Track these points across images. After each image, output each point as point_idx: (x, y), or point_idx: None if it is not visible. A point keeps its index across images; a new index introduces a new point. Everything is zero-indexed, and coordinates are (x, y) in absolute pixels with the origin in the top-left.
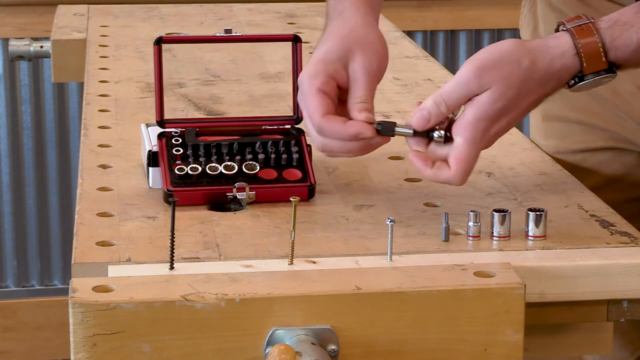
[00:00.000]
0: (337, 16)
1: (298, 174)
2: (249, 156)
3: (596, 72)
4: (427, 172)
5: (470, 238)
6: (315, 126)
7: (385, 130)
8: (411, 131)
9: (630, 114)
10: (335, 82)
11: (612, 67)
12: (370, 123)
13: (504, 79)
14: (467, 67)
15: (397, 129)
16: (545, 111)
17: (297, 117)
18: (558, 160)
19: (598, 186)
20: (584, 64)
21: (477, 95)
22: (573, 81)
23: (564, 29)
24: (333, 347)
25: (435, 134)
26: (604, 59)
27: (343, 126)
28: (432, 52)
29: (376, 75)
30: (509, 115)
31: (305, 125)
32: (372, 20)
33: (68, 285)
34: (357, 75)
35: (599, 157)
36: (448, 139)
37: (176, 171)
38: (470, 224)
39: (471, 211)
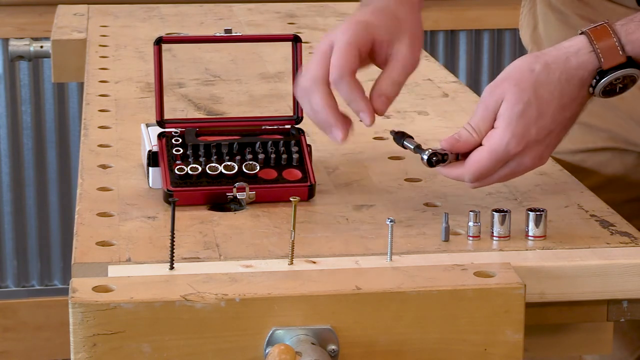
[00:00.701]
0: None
1: (298, 174)
2: (249, 156)
3: (616, 68)
4: (442, 170)
5: (470, 238)
6: (336, 76)
7: (395, 138)
8: (412, 146)
9: (631, 114)
10: (370, 46)
11: (632, 62)
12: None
13: (515, 85)
14: (484, 90)
15: (405, 142)
16: None
17: (297, 117)
18: (558, 161)
19: (598, 186)
20: (601, 59)
21: (498, 111)
22: (595, 80)
23: (579, 33)
24: (333, 347)
25: (424, 155)
26: (620, 52)
27: (357, 96)
28: (432, 52)
29: (412, 67)
30: (537, 123)
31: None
32: (419, 13)
33: (68, 285)
34: (397, 59)
35: (599, 157)
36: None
37: (176, 171)
38: (470, 224)
39: (471, 211)
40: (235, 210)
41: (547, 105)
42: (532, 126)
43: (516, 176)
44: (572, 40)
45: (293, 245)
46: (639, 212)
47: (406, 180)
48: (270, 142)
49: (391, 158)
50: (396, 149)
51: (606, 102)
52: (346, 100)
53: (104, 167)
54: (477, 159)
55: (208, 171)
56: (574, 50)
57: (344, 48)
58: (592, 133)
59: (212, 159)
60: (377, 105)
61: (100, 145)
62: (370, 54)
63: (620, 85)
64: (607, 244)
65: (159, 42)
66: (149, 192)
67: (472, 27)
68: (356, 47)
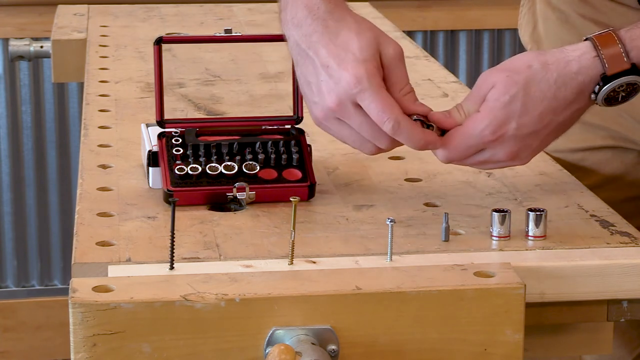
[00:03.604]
0: (329, 11)
1: (298, 174)
2: (249, 156)
3: (619, 74)
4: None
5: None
6: (394, 124)
7: None
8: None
9: (631, 112)
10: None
11: (637, 70)
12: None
13: (508, 76)
14: (481, 75)
15: None
16: None
17: (297, 117)
18: (557, 159)
19: (597, 185)
20: (606, 65)
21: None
22: (598, 87)
23: (584, 39)
24: (333, 347)
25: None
26: (625, 58)
27: (418, 131)
28: (432, 52)
29: (403, 60)
30: (519, 119)
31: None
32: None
33: (68, 285)
34: (394, 63)
35: (598, 155)
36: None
37: (176, 171)
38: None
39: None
40: (235, 210)
41: (536, 104)
42: (512, 120)
43: (489, 166)
44: (577, 45)
45: (293, 245)
46: (638, 211)
47: (406, 180)
48: (270, 142)
49: (391, 158)
50: (396, 149)
51: None
52: (408, 144)
53: (104, 167)
54: (451, 139)
55: (208, 171)
56: (577, 55)
57: (379, 93)
58: (591, 131)
59: (212, 159)
60: (421, 110)
61: (100, 145)
62: None
63: (623, 94)
64: (607, 244)
65: (159, 42)
66: (149, 192)
67: (472, 27)
68: (382, 85)
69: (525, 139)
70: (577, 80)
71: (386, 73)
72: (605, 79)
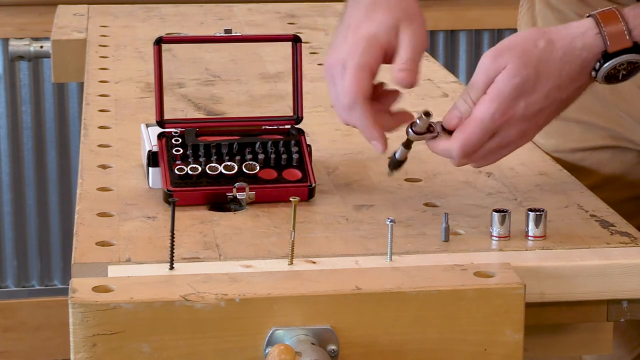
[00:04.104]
0: None
1: (298, 174)
2: (249, 156)
3: (621, 52)
4: (430, 144)
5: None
6: (349, 102)
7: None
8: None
9: (630, 112)
10: (383, 56)
11: (638, 48)
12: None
13: (519, 57)
14: (485, 55)
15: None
16: None
17: (297, 117)
18: (557, 159)
19: (597, 185)
20: (607, 42)
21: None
22: (599, 64)
23: (587, 16)
24: (333, 347)
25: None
26: (627, 37)
27: (370, 124)
28: (432, 52)
29: (423, 45)
30: (527, 98)
31: (333, 98)
32: None
33: (68, 285)
34: (406, 44)
35: (598, 155)
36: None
37: (176, 171)
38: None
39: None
40: (235, 210)
41: (544, 83)
42: (521, 99)
43: (502, 153)
44: (580, 22)
45: (293, 245)
46: (638, 211)
47: (406, 180)
48: (270, 142)
49: (391, 158)
50: (396, 149)
51: (606, 100)
52: (359, 128)
53: (104, 167)
54: (464, 130)
55: (208, 171)
56: (581, 32)
57: (355, 72)
58: (591, 131)
59: (212, 159)
60: (398, 79)
61: (100, 145)
62: (386, 62)
63: (624, 72)
64: (607, 244)
65: (159, 42)
66: (149, 192)
67: (472, 27)
68: (368, 69)
69: (533, 118)
70: (581, 57)
71: (397, 50)
72: (606, 56)
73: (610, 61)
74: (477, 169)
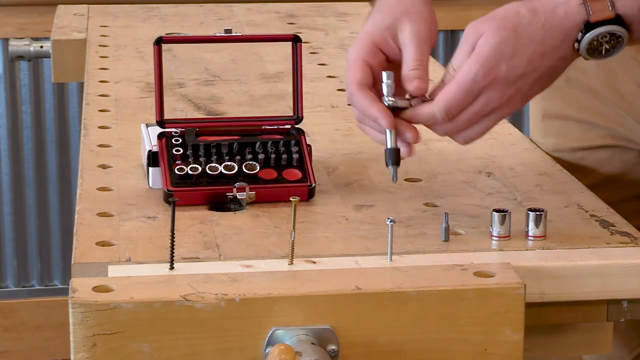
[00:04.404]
0: None
1: (298, 174)
2: (249, 156)
3: (603, 22)
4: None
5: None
6: (348, 94)
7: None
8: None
9: (630, 112)
10: (382, 54)
11: (620, 21)
12: (410, 99)
13: (498, 21)
14: (467, 27)
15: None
16: (544, 109)
17: (297, 117)
18: (557, 159)
19: (597, 184)
20: (590, 12)
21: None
22: (581, 34)
23: None
24: (333, 347)
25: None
26: (610, 8)
27: (368, 104)
28: (432, 52)
29: (427, 41)
30: (509, 61)
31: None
32: None
33: (68, 285)
34: (406, 42)
35: (598, 155)
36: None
37: (176, 171)
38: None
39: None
40: (235, 210)
41: (525, 47)
42: (503, 62)
43: (486, 123)
44: None
45: (293, 245)
46: (638, 211)
47: (406, 180)
48: (270, 142)
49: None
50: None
51: (606, 100)
52: (362, 111)
53: (104, 167)
54: (446, 91)
55: (208, 171)
56: (564, 1)
57: (352, 64)
58: (591, 130)
59: (212, 159)
60: (410, 88)
61: (100, 145)
62: (393, 61)
63: (607, 46)
64: (607, 244)
65: (159, 42)
66: (149, 192)
67: None
68: (363, 61)
69: (516, 82)
70: (563, 25)
71: (401, 53)
72: (588, 26)
73: (592, 32)
74: (477, 171)
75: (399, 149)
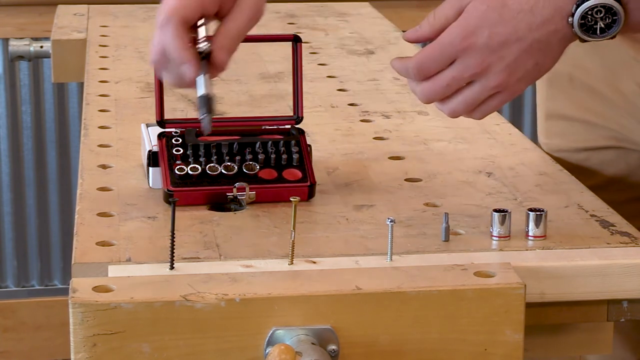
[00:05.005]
0: None
1: (298, 174)
2: (249, 156)
3: None
4: (394, 61)
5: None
6: (162, 20)
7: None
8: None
9: (634, 113)
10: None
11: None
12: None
13: None
14: None
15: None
16: (548, 109)
17: (297, 117)
18: (560, 159)
19: (601, 185)
20: None
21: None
22: (575, 6)
23: None
24: (333, 347)
25: (202, 46)
26: None
27: (180, 46)
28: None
29: (257, 19)
30: (492, 27)
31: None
32: None
33: (68, 285)
34: (243, 8)
35: (602, 156)
36: None
37: (176, 171)
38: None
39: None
40: (235, 210)
41: (512, 15)
42: (486, 28)
43: (472, 90)
44: None
45: (293, 245)
46: None
47: (406, 180)
48: (270, 142)
49: (391, 158)
50: (396, 149)
51: (609, 101)
52: (169, 51)
53: (104, 167)
54: (423, 50)
55: (208, 171)
56: None
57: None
58: (594, 131)
59: (212, 159)
60: (218, 59)
61: (100, 145)
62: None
63: (602, 24)
64: (607, 244)
65: None
66: (149, 192)
67: None
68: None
69: (498, 50)
70: None
71: (233, 8)
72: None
73: (585, 3)
74: (477, 171)
75: (212, 96)
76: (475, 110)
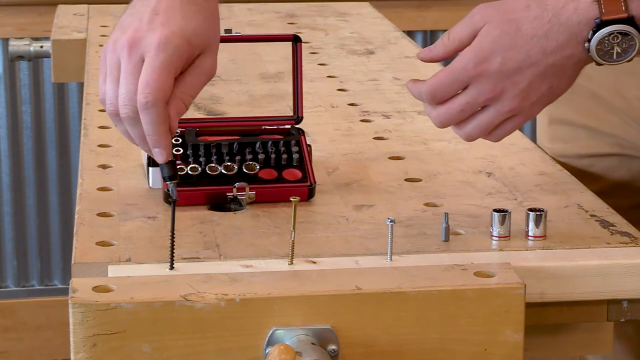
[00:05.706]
0: None
1: (298, 174)
2: (249, 156)
3: (615, 22)
4: (408, 83)
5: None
6: (151, 99)
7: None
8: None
9: (638, 120)
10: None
11: (633, 22)
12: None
13: (503, 13)
14: (476, 7)
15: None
16: (551, 114)
17: (297, 117)
18: (564, 164)
19: (604, 191)
20: (603, 9)
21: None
22: (591, 32)
23: None
24: (333, 347)
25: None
26: (623, 7)
27: (162, 131)
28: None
29: (209, 80)
30: (505, 53)
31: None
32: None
33: (68, 285)
34: (204, 70)
35: (605, 162)
36: None
37: None
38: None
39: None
40: (235, 210)
41: (525, 41)
42: (499, 54)
43: (486, 115)
44: None
45: (293, 245)
46: None
47: (406, 180)
48: (270, 142)
49: (391, 158)
50: (396, 148)
51: (613, 107)
52: (147, 132)
53: (104, 167)
54: (436, 75)
55: (208, 171)
56: None
57: (162, 69)
58: (598, 138)
59: (212, 159)
60: (172, 125)
61: (100, 145)
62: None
63: (618, 49)
64: (607, 244)
65: None
66: (149, 192)
67: None
68: (173, 71)
69: (511, 76)
70: (571, 21)
71: (190, 70)
72: (599, 25)
73: (602, 29)
74: (477, 171)
75: (174, 159)
76: (491, 133)
